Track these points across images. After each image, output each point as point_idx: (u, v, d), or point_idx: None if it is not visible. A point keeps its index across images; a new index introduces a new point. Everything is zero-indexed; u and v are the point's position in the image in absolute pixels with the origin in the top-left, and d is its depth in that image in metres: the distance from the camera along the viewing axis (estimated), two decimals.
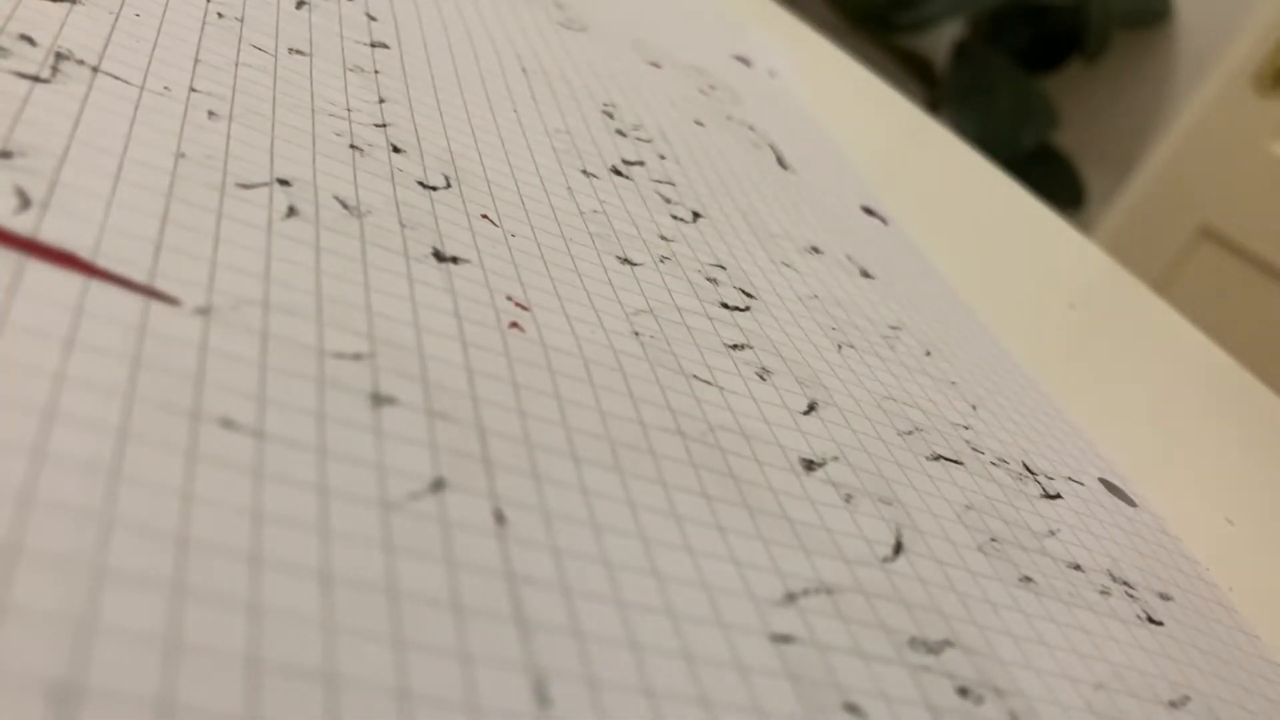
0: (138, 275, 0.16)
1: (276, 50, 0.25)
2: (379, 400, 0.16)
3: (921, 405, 0.25)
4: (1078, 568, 0.21)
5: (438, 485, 0.15)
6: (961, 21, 1.57)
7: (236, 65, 0.23)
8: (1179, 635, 0.21)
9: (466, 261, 0.21)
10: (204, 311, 0.16)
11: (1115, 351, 0.33)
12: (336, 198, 0.21)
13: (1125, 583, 0.22)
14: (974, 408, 0.26)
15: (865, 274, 0.31)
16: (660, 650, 0.15)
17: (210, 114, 0.21)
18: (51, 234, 0.16)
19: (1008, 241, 0.41)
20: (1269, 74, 1.36)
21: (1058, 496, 0.24)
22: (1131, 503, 0.25)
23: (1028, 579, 0.20)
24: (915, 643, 0.17)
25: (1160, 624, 0.21)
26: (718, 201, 0.30)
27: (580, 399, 0.19)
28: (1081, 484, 0.25)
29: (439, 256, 0.21)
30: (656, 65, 0.40)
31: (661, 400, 0.20)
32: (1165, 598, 0.22)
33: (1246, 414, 0.33)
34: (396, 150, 0.24)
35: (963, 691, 0.17)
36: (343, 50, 0.27)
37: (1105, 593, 0.21)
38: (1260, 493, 0.30)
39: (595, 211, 0.26)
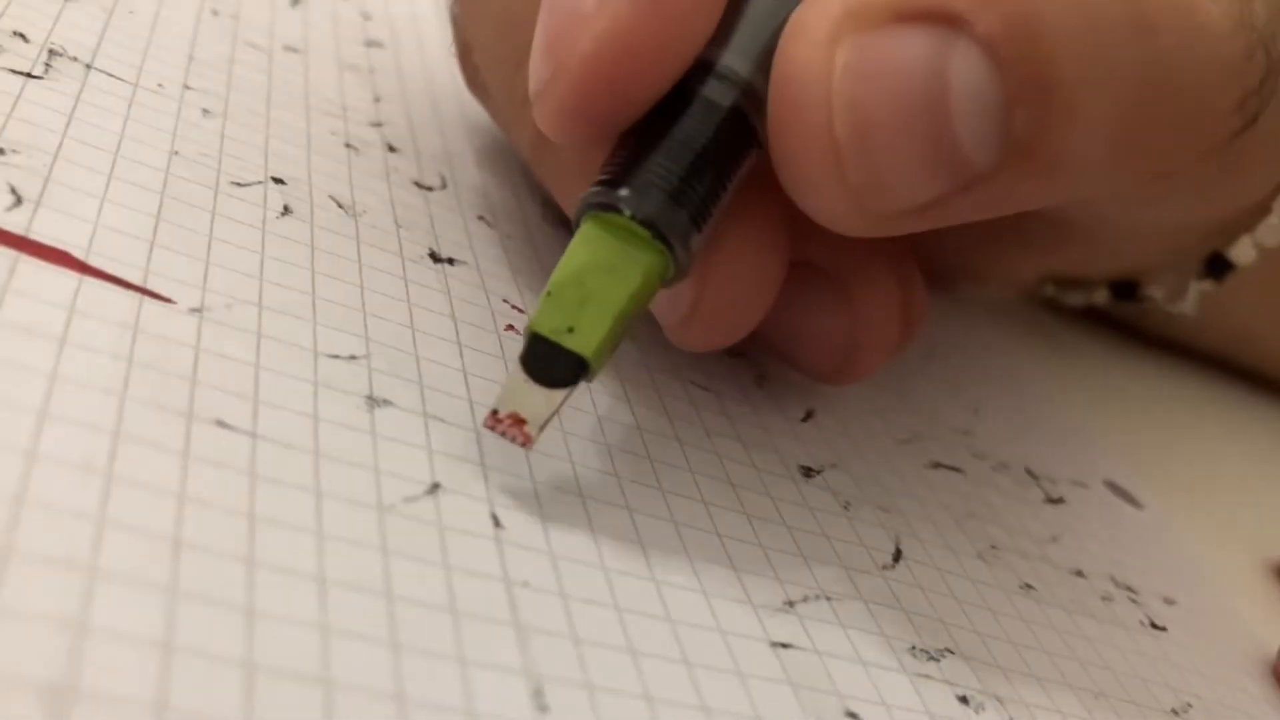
0: (131, 274, 0.16)
1: (271, 48, 0.25)
2: (374, 402, 0.16)
3: (921, 411, 0.24)
4: (1080, 574, 0.21)
5: (434, 488, 0.15)
6: None
7: (231, 63, 0.23)
8: (1182, 640, 0.21)
9: (462, 263, 0.21)
10: (198, 311, 0.16)
11: (1120, 350, 0.33)
12: (331, 197, 0.20)
13: (1128, 588, 0.22)
14: (976, 411, 0.26)
15: None
16: (659, 656, 0.14)
17: (204, 112, 0.21)
18: (44, 232, 0.16)
19: None
20: None
21: (1060, 501, 0.24)
22: (1137, 504, 0.25)
23: (1029, 586, 0.20)
24: (915, 650, 0.17)
25: (1163, 629, 0.21)
26: None
27: (576, 403, 0.19)
28: (1086, 487, 0.25)
29: (435, 257, 0.20)
30: None
31: (659, 405, 0.20)
32: (1169, 602, 0.22)
33: (1256, 413, 0.33)
34: (392, 149, 0.23)
35: (963, 699, 0.17)
36: (338, 48, 0.27)
37: (1107, 598, 0.21)
38: (1267, 494, 0.30)
39: None
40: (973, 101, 0.15)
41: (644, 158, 0.16)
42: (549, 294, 0.15)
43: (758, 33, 0.17)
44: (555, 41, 0.16)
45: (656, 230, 0.15)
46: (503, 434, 0.15)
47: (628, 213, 0.15)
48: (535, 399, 0.15)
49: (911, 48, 0.15)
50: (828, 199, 0.16)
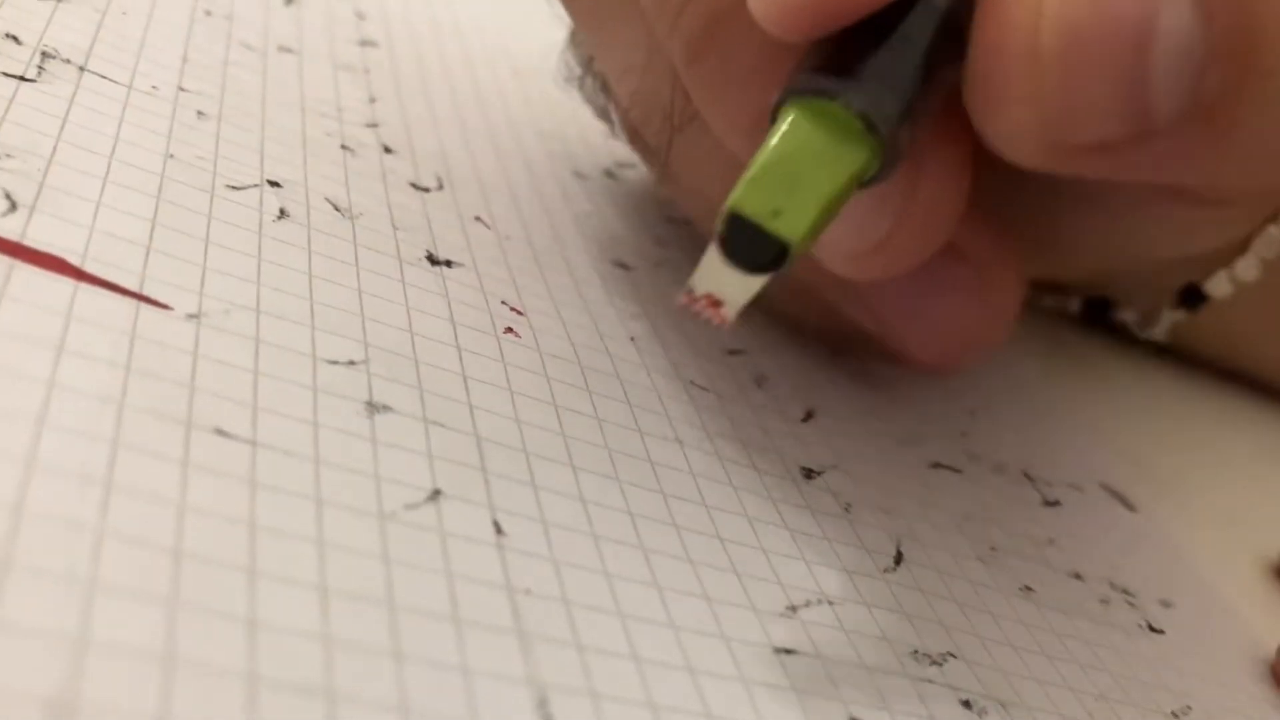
0: (127, 279, 0.16)
1: (266, 48, 0.25)
2: (374, 408, 0.16)
3: (919, 411, 0.24)
4: (1078, 576, 0.21)
5: (435, 495, 0.15)
6: None
7: (225, 64, 0.23)
8: (1181, 643, 0.21)
9: (460, 265, 0.21)
10: (195, 317, 0.16)
11: (1115, 351, 0.33)
12: (328, 199, 0.20)
13: (1125, 590, 0.22)
14: (972, 414, 0.26)
15: None
16: (663, 663, 0.14)
17: (199, 114, 0.21)
18: (39, 237, 0.15)
19: None
20: None
21: (1057, 503, 0.24)
22: (1132, 507, 0.25)
23: (1028, 589, 0.20)
24: (918, 654, 0.17)
25: (1161, 632, 0.21)
26: None
27: (577, 406, 0.18)
28: (1081, 490, 0.25)
29: (432, 260, 0.20)
30: None
31: (659, 407, 0.20)
32: (1166, 604, 0.22)
33: (1251, 413, 0.33)
34: (388, 151, 0.23)
35: (966, 704, 0.17)
36: (332, 48, 0.27)
37: (1105, 601, 0.21)
38: (1264, 494, 0.30)
39: (589, 215, 0.26)
40: (1173, 50, 0.14)
41: (859, 53, 0.15)
42: (755, 176, 0.14)
43: None
44: None
45: (870, 124, 0.15)
46: (698, 314, 0.15)
47: (843, 102, 0.15)
48: (733, 282, 0.15)
49: None
50: (1014, 111, 0.15)
